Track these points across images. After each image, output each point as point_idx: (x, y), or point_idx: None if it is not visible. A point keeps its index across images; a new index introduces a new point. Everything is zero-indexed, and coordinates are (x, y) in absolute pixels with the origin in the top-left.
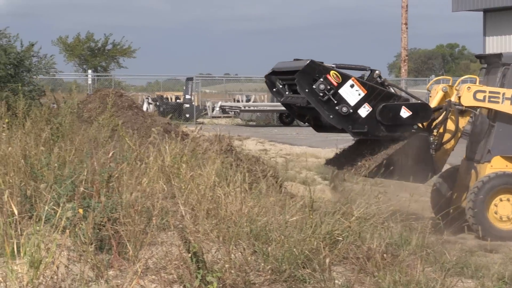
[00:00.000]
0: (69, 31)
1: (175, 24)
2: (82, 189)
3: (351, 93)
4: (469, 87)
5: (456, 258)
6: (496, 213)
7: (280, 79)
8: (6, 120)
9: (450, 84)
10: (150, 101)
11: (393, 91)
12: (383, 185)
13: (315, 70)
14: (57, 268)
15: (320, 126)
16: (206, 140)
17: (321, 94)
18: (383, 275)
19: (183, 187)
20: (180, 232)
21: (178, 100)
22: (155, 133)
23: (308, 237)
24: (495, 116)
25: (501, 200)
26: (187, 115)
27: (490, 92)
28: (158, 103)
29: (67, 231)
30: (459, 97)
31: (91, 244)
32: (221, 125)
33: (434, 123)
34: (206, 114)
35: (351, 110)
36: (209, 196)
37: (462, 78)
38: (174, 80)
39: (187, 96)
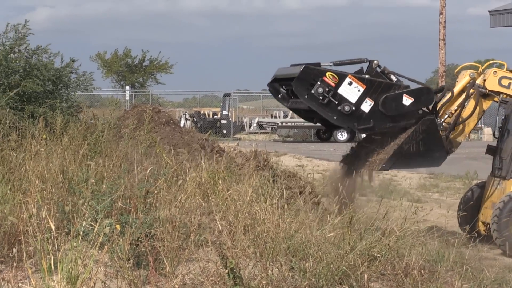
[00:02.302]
0: (107, 47)
1: (214, 40)
2: (119, 205)
3: (351, 90)
4: (495, 71)
5: (494, 275)
6: None
7: (282, 85)
8: (44, 136)
9: (479, 71)
10: (187, 117)
11: (394, 78)
12: (420, 202)
13: (310, 75)
14: (94, 284)
15: (330, 125)
16: (243, 156)
17: (321, 98)
18: None
19: (220, 203)
20: (217, 248)
21: (215, 116)
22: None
23: (345, 253)
24: None
25: None
26: (224, 131)
27: None
28: (195, 119)
29: (105, 247)
30: (484, 80)
31: (128, 260)
32: (258, 141)
33: (439, 105)
34: (243, 130)
35: (353, 108)
36: (246, 212)
37: (490, 62)
38: (212, 96)
39: (225, 112)
